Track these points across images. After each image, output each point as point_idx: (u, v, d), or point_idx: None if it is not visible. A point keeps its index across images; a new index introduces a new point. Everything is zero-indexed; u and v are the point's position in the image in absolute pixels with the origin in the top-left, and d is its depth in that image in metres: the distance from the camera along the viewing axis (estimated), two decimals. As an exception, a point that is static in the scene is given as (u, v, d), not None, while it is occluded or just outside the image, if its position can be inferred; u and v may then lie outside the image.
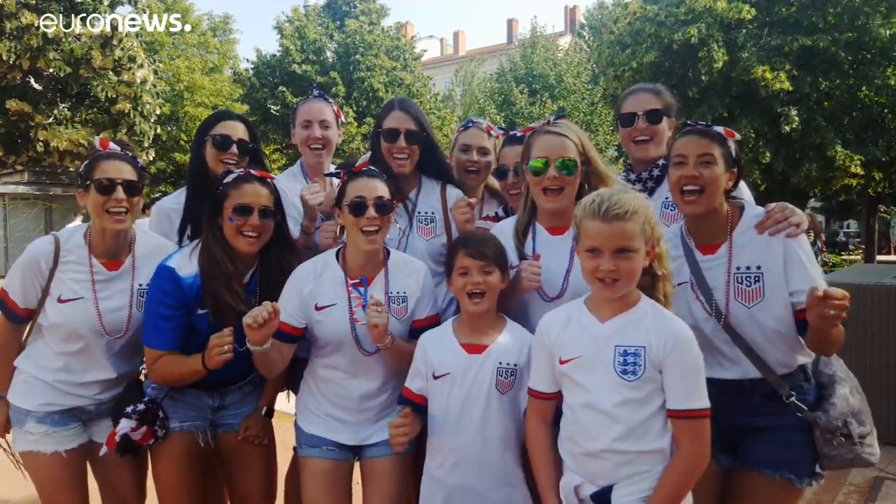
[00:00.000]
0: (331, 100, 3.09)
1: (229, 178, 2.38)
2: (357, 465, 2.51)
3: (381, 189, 2.32)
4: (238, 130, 2.77)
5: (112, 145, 2.48)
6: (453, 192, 2.82)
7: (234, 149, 2.73)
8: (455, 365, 2.18)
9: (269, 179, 2.42)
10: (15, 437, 2.52)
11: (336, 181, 2.50)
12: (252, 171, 2.39)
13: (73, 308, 2.42)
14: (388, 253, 2.45)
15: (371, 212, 2.27)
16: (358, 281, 2.33)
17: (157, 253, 2.50)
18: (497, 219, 2.87)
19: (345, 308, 2.33)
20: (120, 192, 2.36)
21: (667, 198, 2.49)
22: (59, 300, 2.42)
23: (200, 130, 2.81)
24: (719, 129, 2.19)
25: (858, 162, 14.12)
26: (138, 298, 2.49)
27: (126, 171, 2.41)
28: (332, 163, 3.19)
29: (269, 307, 2.11)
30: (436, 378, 2.20)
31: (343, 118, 3.17)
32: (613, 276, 1.79)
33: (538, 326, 2.02)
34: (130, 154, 2.48)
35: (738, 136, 2.24)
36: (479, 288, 2.15)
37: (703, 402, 1.78)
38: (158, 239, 2.64)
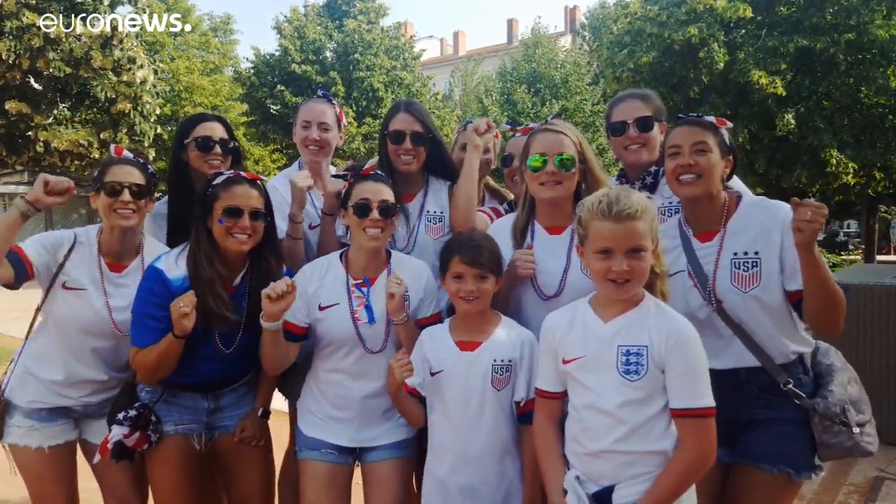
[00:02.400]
0: (334, 101, 3.10)
1: (219, 180, 2.39)
2: (358, 468, 2.50)
3: (385, 193, 2.36)
4: (218, 130, 2.82)
5: (126, 152, 2.56)
6: None
7: (218, 149, 2.79)
8: (449, 362, 2.20)
9: (258, 181, 2.44)
10: (7, 428, 2.55)
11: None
12: (242, 173, 2.42)
13: (75, 296, 2.47)
14: (391, 254, 2.48)
15: (374, 214, 2.31)
16: (361, 281, 2.36)
17: None
18: (499, 213, 2.94)
19: (347, 308, 2.35)
20: (126, 195, 2.43)
21: (661, 204, 2.50)
22: (64, 286, 2.47)
23: (179, 135, 2.85)
24: (710, 118, 2.20)
25: (852, 170, 14.11)
26: None
27: (135, 176, 2.48)
28: (332, 164, 3.20)
29: (289, 280, 2.16)
30: (432, 375, 2.22)
31: (346, 120, 3.17)
32: (626, 276, 1.79)
33: (543, 326, 2.02)
34: (142, 161, 2.56)
35: (729, 125, 2.24)
36: (473, 295, 2.17)
37: (707, 400, 1.77)
38: (163, 248, 2.68)
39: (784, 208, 2.14)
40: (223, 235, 2.34)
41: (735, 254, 2.15)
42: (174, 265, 2.38)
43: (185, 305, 2.21)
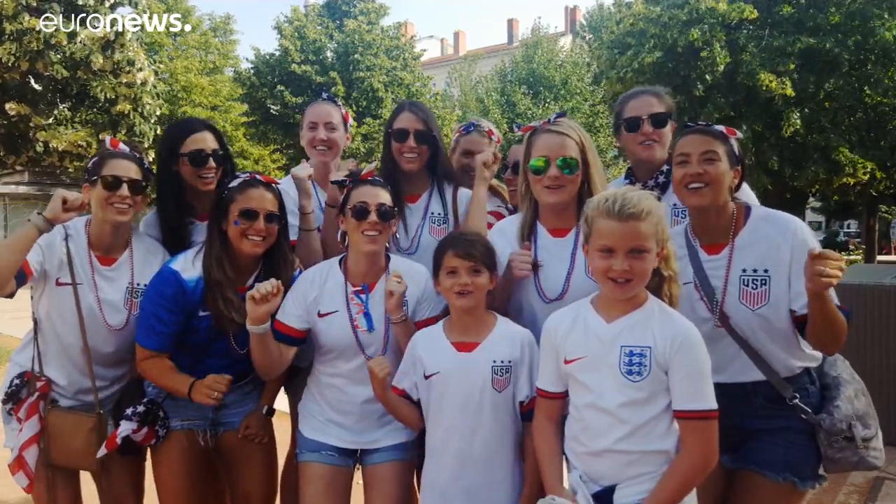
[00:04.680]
0: (339, 103, 3.11)
1: (235, 183, 2.42)
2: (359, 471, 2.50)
3: (383, 196, 2.37)
4: (209, 140, 2.71)
5: (122, 146, 2.54)
6: (465, 194, 2.87)
7: (211, 162, 2.68)
8: (445, 364, 2.18)
9: (273, 184, 2.46)
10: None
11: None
12: (258, 176, 2.43)
13: (68, 291, 2.45)
14: (389, 259, 2.48)
15: (373, 217, 2.31)
16: (360, 288, 2.36)
17: (150, 254, 2.56)
18: (499, 215, 2.95)
19: (346, 315, 2.35)
20: (125, 190, 2.43)
21: (674, 205, 2.47)
22: (58, 282, 2.46)
23: (168, 145, 2.71)
24: (720, 127, 2.19)
25: (869, 168, 14.08)
26: (127, 297, 2.52)
27: (132, 171, 2.47)
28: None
29: (274, 282, 2.17)
30: (427, 377, 2.20)
31: (351, 121, 3.18)
32: (626, 276, 1.78)
33: (545, 326, 2.01)
34: (138, 155, 2.54)
35: (739, 135, 2.22)
36: (467, 289, 2.14)
37: (710, 402, 1.77)
38: (151, 241, 2.69)
39: (793, 222, 2.13)
40: (238, 237, 2.36)
41: (744, 270, 2.12)
42: (190, 266, 2.40)
43: (218, 395, 2.31)
